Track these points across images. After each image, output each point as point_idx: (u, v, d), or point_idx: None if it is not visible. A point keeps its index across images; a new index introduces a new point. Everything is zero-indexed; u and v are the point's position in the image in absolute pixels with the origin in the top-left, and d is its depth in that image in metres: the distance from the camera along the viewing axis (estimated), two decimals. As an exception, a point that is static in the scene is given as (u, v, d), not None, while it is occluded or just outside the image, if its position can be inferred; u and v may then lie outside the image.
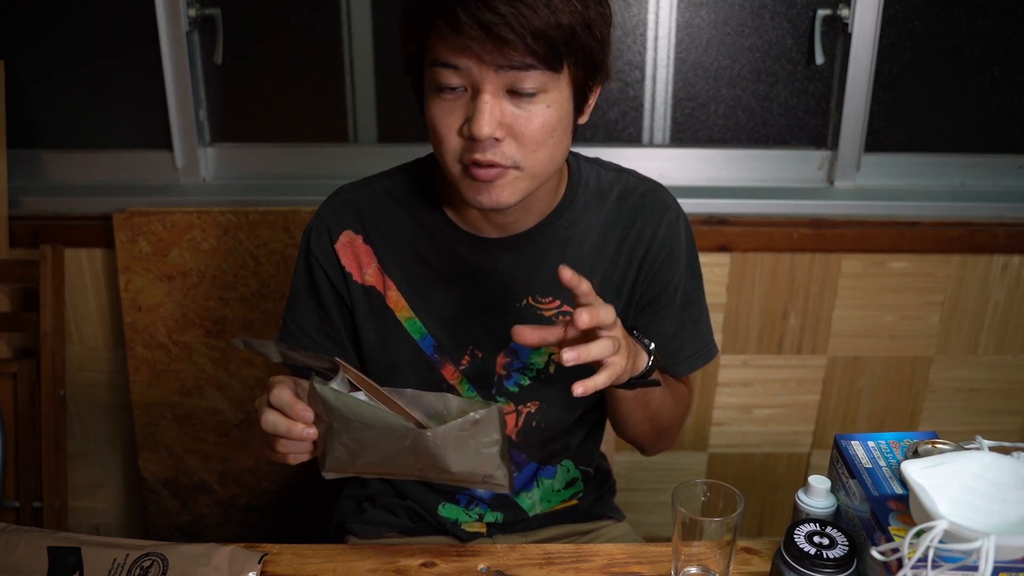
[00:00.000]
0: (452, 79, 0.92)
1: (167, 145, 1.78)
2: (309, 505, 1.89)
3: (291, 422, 0.88)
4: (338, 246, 1.11)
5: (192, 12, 1.70)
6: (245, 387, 1.81)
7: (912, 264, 1.79)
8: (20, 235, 1.73)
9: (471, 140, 0.93)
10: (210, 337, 1.78)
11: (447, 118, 0.94)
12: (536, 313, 1.10)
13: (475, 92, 0.92)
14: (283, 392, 0.89)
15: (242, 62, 1.78)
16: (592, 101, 1.01)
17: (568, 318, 0.91)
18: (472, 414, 0.86)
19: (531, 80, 0.91)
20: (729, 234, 1.74)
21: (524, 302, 1.10)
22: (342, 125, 1.84)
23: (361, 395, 0.91)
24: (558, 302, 1.10)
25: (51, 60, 1.76)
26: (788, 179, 1.83)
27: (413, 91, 1.03)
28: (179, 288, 1.75)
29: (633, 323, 1.15)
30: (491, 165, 0.94)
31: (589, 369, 1.14)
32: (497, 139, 0.93)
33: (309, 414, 0.88)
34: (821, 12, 1.72)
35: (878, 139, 1.81)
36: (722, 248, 1.75)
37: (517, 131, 0.93)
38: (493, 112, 0.91)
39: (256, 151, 1.83)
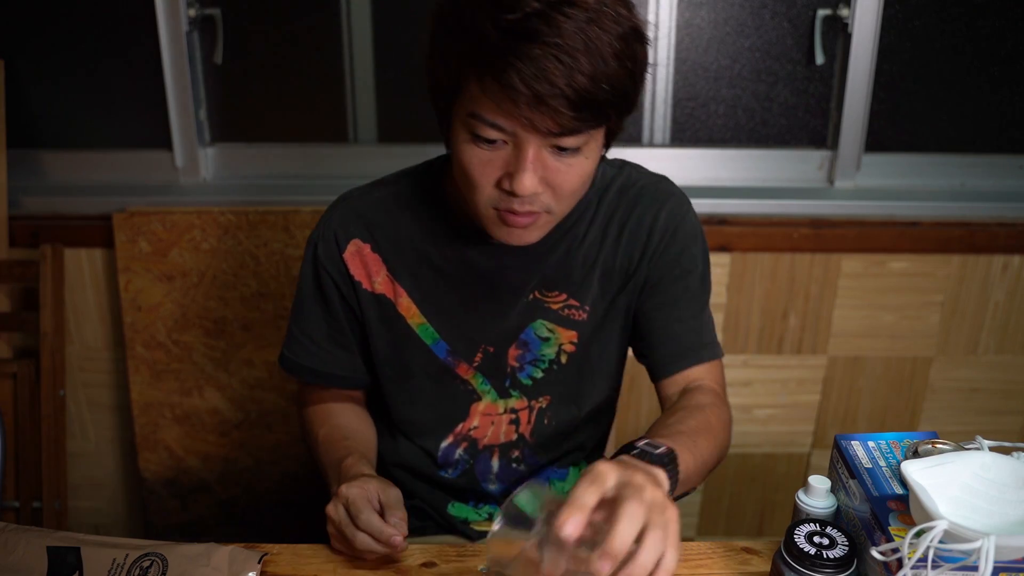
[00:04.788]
0: (492, 134, 0.89)
1: (167, 145, 1.78)
2: (309, 505, 1.88)
3: (384, 546, 0.92)
4: (346, 255, 1.09)
5: (192, 12, 1.70)
6: (245, 387, 1.81)
7: (912, 264, 1.78)
8: (20, 235, 1.73)
9: (509, 193, 0.92)
10: (210, 337, 1.78)
11: (484, 168, 0.92)
12: (544, 306, 1.11)
13: (516, 147, 0.90)
14: (372, 519, 0.92)
15: (242, 62, 1.78)
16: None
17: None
18: None
19: (576, 139, 0.90)
20: (729, 234, 1.74)
21: (531, 296, 1.10)
22: (342, 125, 1.84)
23: None
24: (564, 295, 1.11)
25: (51, 60, 1.76)
26: (788, 179, 1.83)
27: (434, 107, 0.98)
28: (179, 288, 1.75)
29: (642, 308, 1.11)
30: (527, 214, 0.94)
31: (601, 369, 1.14)
32: (536, 192, 0.92)
33: (399, 539, 0.91)
34: (821, 12, 1.72)
35: (878, 139, 1.81)
36: (722, 248, 1.75)
37: (556, 183, 0.92)
38: (535, 171, 0.90)
39: (256, 151, 1.83)
